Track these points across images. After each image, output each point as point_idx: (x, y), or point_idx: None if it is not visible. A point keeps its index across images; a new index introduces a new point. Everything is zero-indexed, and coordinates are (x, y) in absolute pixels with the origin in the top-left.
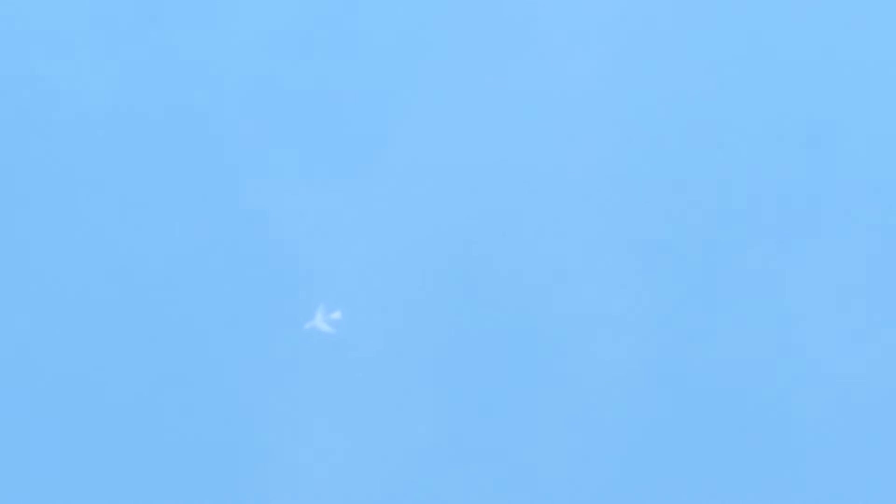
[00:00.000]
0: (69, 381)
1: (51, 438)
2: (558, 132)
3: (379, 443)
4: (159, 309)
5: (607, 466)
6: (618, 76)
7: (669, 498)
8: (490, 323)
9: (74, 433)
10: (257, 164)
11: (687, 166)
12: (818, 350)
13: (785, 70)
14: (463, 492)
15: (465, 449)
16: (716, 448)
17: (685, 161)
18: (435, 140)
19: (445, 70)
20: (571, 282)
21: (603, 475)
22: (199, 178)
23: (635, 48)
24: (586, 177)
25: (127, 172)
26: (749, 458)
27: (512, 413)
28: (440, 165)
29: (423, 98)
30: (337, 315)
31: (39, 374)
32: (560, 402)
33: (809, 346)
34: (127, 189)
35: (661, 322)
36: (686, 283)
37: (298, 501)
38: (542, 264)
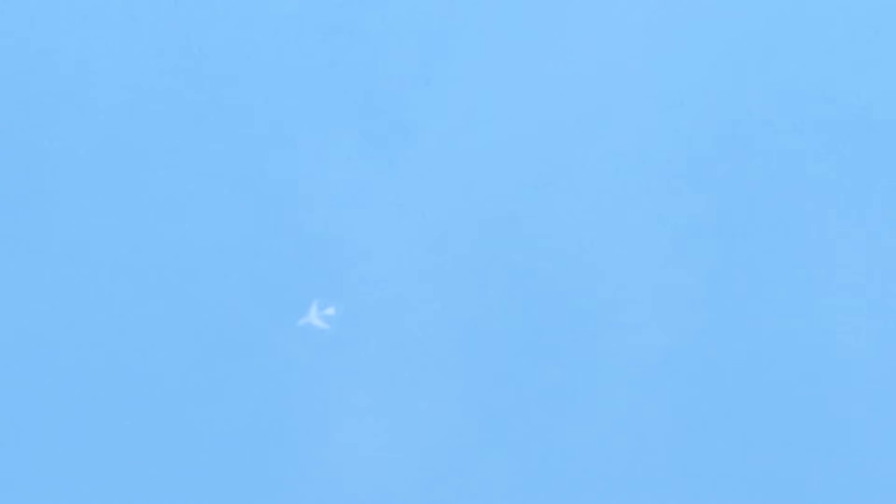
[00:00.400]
0: (82, 366)
1: (64, 431)
2: (597, 109)
3: (415, 423)
4: (185, 289)
5: (643, 449)
6: (659, 52)
7: (708, 481)
8: (525, 302)
9: (87, 423)
10: (290, 140)
11: (728, 145)
12: (862, 336)
13: (832, 47)
14: (497, 477)
15: (500, 432)
16: (755, 432)
17: (726, 139)
18: (472, 117)
19: (484, 46)
20: (609, 262)
21: (639, 458)
22: (228, 153)
23: (674, 26)
24: (625, 156)
25: (155, 148)
26: (790, 444)
27: (548, 395)
28: (477, 143)
29: (460, 74)
30: (331, 311)
31: (60, 360)
32: (596, 387)
33: (853, 330)
34: (155, 166)
35: (699, 303)
36: (726, 265)
37: (334, 489)
38: (582, 247)
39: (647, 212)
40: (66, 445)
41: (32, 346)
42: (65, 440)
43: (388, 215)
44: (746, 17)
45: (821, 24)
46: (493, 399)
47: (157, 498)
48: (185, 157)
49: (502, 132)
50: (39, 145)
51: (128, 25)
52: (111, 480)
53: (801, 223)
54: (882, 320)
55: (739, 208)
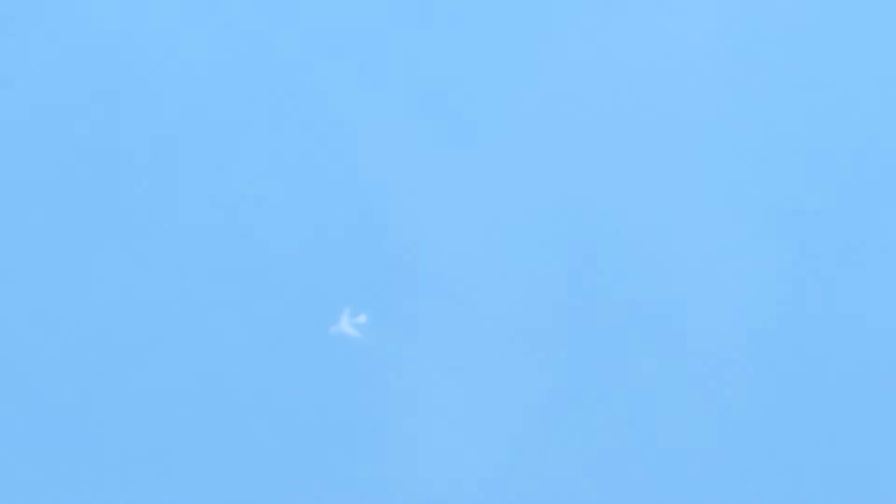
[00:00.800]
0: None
1: (87, 429)
2: (679, 100)
3: (499, 401)
4: (261, 272)
5: (719, 441)
6: (740, 42)
7: (789, 467)
8: (606, 293)
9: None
10: (365, 123)
11: (807, 136)
12: None
13: None
14: (574, 467)
15: (579, 424)
16: (840, 420)
17: (805, 128)
18: (551, 105)
19: (555, 42)
20: (685, 253)
21: (716, 450)
22: (302, 137)
23: (751, 21)
24: (700, 143)
25: (227, 144)
26: (877, 432)
27: (630, 384)
28: (558, 131)
29: (531, 71)
30: (362, 319)
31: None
32: (673, 381)
33: None
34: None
35: (777, 291)
36: (804, 255)
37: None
38: (666, 245)
39: (719, 197)
40: (94, 442)
41: (69, 340)
42: (90, 438)
43: (461, 208)
44: (832, 9)
45: None
46: (571, 390)
47: (204, 493)
48: (273, 122)
49: (576, 123)
50: (119, 138)
51: (211, 26)
52: (148, 478)
53: (874, 213)
54: None
55: (818, 198)
